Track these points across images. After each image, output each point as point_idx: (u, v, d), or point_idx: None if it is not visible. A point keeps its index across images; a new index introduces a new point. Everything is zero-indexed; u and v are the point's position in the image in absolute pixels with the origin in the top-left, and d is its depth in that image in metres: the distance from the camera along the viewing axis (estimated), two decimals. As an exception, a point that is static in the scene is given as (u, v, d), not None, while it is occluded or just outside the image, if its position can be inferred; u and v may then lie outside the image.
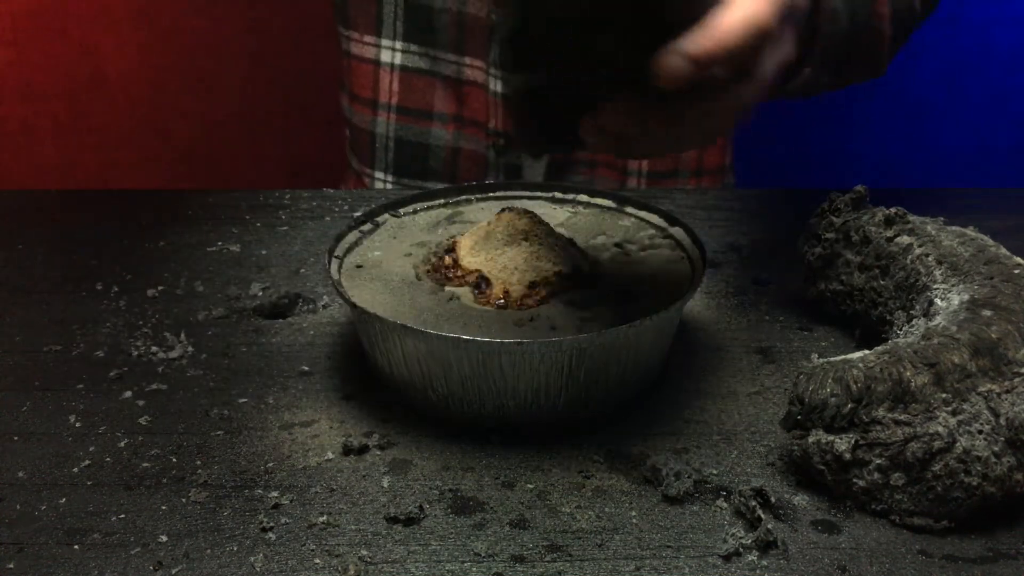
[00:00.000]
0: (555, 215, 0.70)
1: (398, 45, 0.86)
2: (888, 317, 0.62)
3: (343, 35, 0.93)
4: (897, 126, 1.34)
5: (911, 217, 0.63)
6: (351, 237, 0.65)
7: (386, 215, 0.69)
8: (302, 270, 0.76)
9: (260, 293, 0.72)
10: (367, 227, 0.67)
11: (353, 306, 0.56)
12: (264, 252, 0.79)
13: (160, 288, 0.73)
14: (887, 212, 0.64)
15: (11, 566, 0.47)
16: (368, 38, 0.86)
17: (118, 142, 1.27)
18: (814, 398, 0.50)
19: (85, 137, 1.26)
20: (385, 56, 0.86)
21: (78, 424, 0.58)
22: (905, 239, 0.62)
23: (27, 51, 1.20)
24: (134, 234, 0.82)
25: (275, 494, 0.52)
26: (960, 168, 1.38)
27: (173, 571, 0.46)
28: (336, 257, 0.63)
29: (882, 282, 0.62)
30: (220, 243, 0.81)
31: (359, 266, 0.63)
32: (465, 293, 0.60)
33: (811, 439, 0.50)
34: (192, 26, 1.22)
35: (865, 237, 0.64)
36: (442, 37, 0.88)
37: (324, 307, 0.71)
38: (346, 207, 0.87)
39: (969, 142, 1.35)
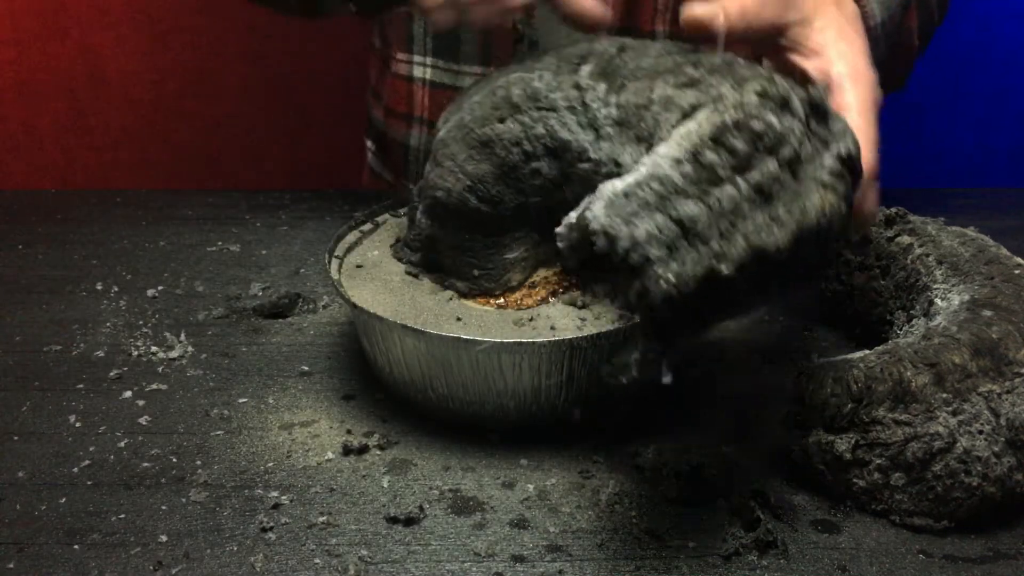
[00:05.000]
0: (555, 215, 0.70)
1: (428, 61, 0.88)
2: (888, 317, 0.62)
3: (387, 54, 0.94)
4: (897, 126, 1.34)
5: (911, 217, 0.63)
6: (351, 237, 0.65)
7: (386, 215, 0.69)
8: (302, 270, 0.76)
9: (260, 293, 0.72)
10: (367, 227, 0.67)
11: (353, 306, 0.56)
12: (264, 252, 0.79)
13: (160, 288, 0.73)
14: (887, 212, 0.64)
15: (11, 566, 0.47)
16: (401, 55, 0.88)
17: (118, 142, 1.27)
18: (814, 398, 0.50)
19: (85, 137, 1.26)
20: (417, 72, 0.87)
21: (78, 424, 0.58)
22: (905, 239, 0.62)
23: (27, 51, 1.20)
24: (134, 234, 0.82)
25: (275, 494, 0.52)
26: (960, 168, 1.38)
27: (173, 571, 0.46)
28: (336, 257, 0.62)
29: (882, 282, 0.62)
30: (220, 243, 0.81)
31: (359, 266, 0.63)
32: (465, 293, 0.60)
33: (811, 439, 0.50)
34: (192, 26, 1.21)
35: (865, 237, 0.64)
36: (468, 50, 0.89)
37: (324, 307, 0.71)
38: (346, 207, 0.87)
39: (969, 142, 1.35)
